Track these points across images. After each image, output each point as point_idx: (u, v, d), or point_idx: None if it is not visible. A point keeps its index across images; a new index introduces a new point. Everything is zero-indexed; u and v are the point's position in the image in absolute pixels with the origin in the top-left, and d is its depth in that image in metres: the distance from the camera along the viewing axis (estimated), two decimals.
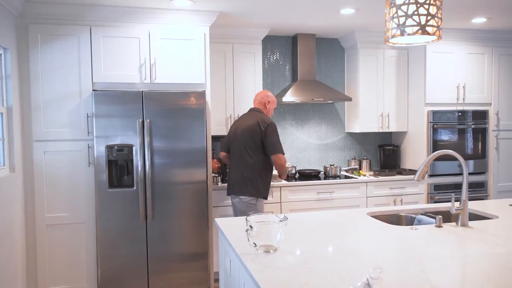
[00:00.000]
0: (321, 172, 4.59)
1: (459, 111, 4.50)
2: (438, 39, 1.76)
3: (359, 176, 4.47)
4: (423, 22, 1.61)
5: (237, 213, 3.45)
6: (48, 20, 3.32)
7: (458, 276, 1.50)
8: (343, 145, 4.94)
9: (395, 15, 1.66)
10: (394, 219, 2.60)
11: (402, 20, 1.64)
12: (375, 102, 4.63)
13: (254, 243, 1.79)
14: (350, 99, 4.44)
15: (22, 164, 3.30)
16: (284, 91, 4.43)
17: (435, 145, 4.41)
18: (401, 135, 4.88)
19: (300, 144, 4.81)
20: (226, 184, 3.73)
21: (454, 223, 2.26)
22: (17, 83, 3.26)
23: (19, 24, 3.27)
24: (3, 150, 3.11)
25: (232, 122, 4.06)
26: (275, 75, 4.71)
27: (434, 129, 4.42)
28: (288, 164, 4.47)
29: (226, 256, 2.19)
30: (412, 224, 2.54)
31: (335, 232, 2.14)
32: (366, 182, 4.31)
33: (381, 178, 4.36)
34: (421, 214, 2.59)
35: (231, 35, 4.16)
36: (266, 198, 3.41)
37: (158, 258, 3.47)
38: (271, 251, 1.78)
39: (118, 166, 3.41)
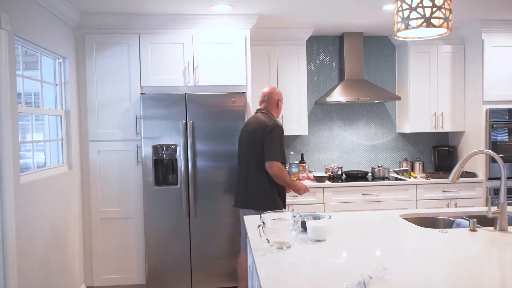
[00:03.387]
0: (369, 174, 4.47)
1: None
2: (449, 31, 1.65)
3: (409, 178, 4.28)
4: (428, 14, 1.53)
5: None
6: (101, 30, 3.60)
7: (473, 283, 1.41)
8: (394, 146, 4.76)
9: (400, 8, 1.59)
10: (430, 222, 2.48)
11: (406, 13, 1.57)
12: (427, 101, 4.40)
13: (267, 239, 1.82)
14: (398, 98, 4.27)
15: (79, 162, 3.61)
16: (331, 91, 4.38)
17: (494, 145, 4.09)
18: (458, 135, 4.59)
19: (347, 144, 4.71)
20: None
21: (492, 228, 2.11)
22: (75, 88, 3.57)
23: (77, 35, 3.59)
24: (62, 150, 3.43)
25: None
26: (322, 75, 4.67)
27: (493, 129, 4.10)
28: (334, 165, 4.40)
29: (250, 253, 2.24)
30: (451, 228, 2.40)
31: (357, 232, 2.09)
32: (416, 185, 4.12)
33: (432, 180, 4.14)
34: (462, 218, 2.44)
35: (275, 36, 4.20)
36: None
37: (200, 254, 3.60)
38: (284, 248, 1.80)
39: (163, 165, 3.60)
